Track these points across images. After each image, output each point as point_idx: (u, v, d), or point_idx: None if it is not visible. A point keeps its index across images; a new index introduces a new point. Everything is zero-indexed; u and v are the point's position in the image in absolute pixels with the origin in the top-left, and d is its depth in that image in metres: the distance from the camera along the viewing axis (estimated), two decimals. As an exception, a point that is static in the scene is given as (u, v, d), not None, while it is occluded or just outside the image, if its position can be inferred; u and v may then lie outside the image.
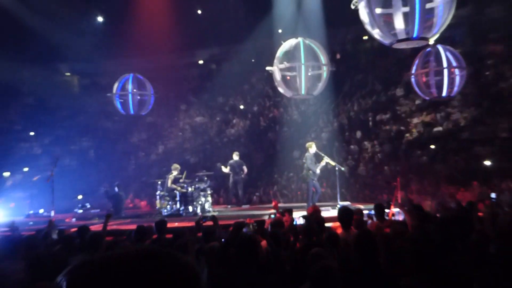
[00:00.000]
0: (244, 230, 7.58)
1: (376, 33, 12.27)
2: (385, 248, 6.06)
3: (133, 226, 9.27)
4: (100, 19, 32.65)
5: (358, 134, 24.36)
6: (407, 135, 23.11)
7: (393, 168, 21.36)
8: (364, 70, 26.86)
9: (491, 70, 22.80)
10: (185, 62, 30.92)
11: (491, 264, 5.02)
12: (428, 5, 11.30)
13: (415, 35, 11.23)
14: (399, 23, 11.49)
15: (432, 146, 21.76)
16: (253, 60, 28.95)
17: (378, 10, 11.77)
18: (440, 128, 22.55)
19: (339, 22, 23.87)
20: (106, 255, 1.12)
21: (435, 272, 4.15)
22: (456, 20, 20.35)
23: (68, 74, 33.12)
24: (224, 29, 30.58)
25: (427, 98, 18.78)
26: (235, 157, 19.95)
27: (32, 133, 28.24)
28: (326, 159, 17.05)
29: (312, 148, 17.20)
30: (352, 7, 12.12)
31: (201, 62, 31.17)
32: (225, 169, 19.62)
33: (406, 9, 11.26)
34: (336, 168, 17.36)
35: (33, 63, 30.81)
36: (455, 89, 17.26)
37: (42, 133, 28.29)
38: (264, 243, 6.66)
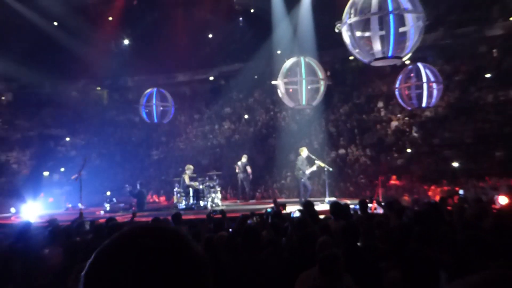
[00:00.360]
0: (249, 222, 7.59)
1: (356, 53, 12.30)
2: (367, 236, 6.08)
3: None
4: (126, 41, 32.85)
5: (345, 139, 24.39)
6: (387, 140, 23.15)
7: (375, 168, 21.37)
8: (350, 85, 26.88)
9: (457, 86, 22.90)
10: (199, 79, 30.99)
11: (458, 250, 5.03)
12: (401, 29, 11.34)
13: (390, 54, 11.25)
14: (376, 44, 11.51)
15: (408, 150, 21.79)
16: (256, 77, 29.05)
17: (358, 33, 11.78)
18: (415, 135, 22.61)
19: (328, 44, 23.79)
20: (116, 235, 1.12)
21: (410, 257, 4.17)
22: (428, 42, 20.50)
23: (98, 88, 33.20)
24: (231, 51, 30.82)
25: (409, 108, 18.76)
26: (243, 159, 19.98)
27: (67, 139, 28.31)
28: (317, 162, 17.09)
29: (304, 152, 17.30)
30: (336, 30, 12.13)
31: (212, 78, 31.21)
32: (237, 169, 19.65)
33: (382, 32, 11.31)
34: (325, 169, 17.38)
35: (69, 79, 31.10)
36: (433, 100, 17.25)
37: (76, 139, 28.36)
38: (265, 233, 6.68)
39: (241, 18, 31.19)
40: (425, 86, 16.83)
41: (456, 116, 22.14)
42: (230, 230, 7.60)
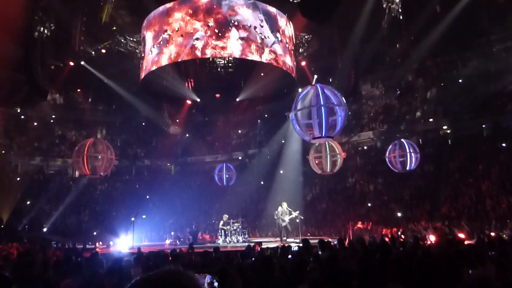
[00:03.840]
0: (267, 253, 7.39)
1: (300, 133, 11.63)
2: (344, 262, 5.88)
3: (201, 250, 9.06)
4: (187, 134, 33.57)
5: (326, 197, 24.09)
6: (354, 198, 22.84)
7: (347, 216, 20.88)
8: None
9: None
10: (232, 158, 30.95)
11: (401, 268, 4.91)
12: (331, 119, 10.83)
13: (323, 135, 10.77)
14: (315, 128, 10.97)
15: (369, 204, 21.41)
16: (268, 157, 29.10)
17: (302, 121, 11.28)
18: (371, 194, 22.33)
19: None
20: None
21: (373, 274, 4.06)
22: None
23: (168, 164, 33.51)
24: (253, 141, 31.18)
25: (396, 171, 16.90)
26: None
27: (147, 196, 28.25)
28: (293, 213, 16.30)
29: (284, 205, 16.70)
30: (287, 118, 11.71)
31: (240, 158, 31.34)
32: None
33: (318, 120, 10.81)
34: (298, 217, 16.55)
35: (150, 158, 31.78)
36: (413, 165, 16.01)
37: (153, 196, 28.29)
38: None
39: (259, 120, 31.82)
40: (408, 155, 15.86)
41: (397, 182, 21.92)
42: (253, 258, 7.38)
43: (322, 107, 10.62)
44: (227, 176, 21.06)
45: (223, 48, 17.30)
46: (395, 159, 16.39)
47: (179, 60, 17.83)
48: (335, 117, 11.04)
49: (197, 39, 17.05)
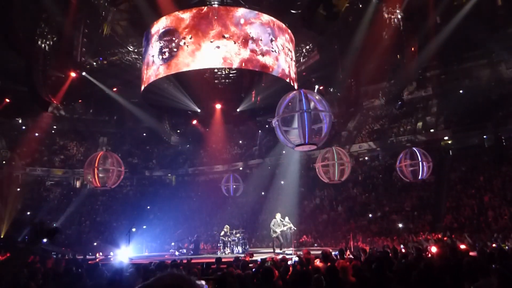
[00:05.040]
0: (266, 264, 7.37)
1: (283, 140, 11.08)
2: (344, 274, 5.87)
3: (204, 260, 9.03)
4: (188, 146, 33.62)
5: (328, 208, 24.01)
6: (355, 208, 22.76)
7: (348, 227, 20.80)
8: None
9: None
10: (233, 169, 30.93)
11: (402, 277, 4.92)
12: (316, 126, 10.55)
13: (306, 142, 10.18)
14: (299, 134, 10.40)
15: (370, 215, 21.34)
16: (269, 168, 29.10)
17: (284, 128, 10.83)
18: (372, 205, 22.24)
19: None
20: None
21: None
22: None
23: (169, 175, 33.51)
24: (253, 152, 31.24)
25: (407, 180, 16.44)
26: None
27: (148, 207, 28.20)
28: (287, 224, 15.86)
29: (278, 216, 16.13)
30: (271, 125, 10.93)
31: (241, 168, 31.32)
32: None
33: (301, 127, 10.21)
34: (291, 228, 16.12)
35: (151, 169, 31.62)
36: (425, 174, 15.43)
37: (154, 207, 28.25)
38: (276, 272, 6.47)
39: (260, 131, 31.89)
40: (420, 164, 15.27)
41: (398, 192, 21.89)
42: (253, 269, 7.36)
43: (305, 113, 10.14)
44: (234, 186, 21.03)
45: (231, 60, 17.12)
46: (406, 168, 15.82)
47: (185, 70, 17.63)
48: (321, 124, 10.65)
49: (218, 47, 16.88)
